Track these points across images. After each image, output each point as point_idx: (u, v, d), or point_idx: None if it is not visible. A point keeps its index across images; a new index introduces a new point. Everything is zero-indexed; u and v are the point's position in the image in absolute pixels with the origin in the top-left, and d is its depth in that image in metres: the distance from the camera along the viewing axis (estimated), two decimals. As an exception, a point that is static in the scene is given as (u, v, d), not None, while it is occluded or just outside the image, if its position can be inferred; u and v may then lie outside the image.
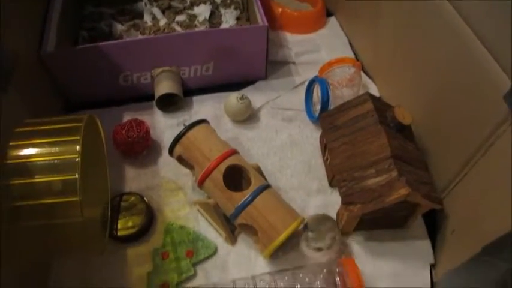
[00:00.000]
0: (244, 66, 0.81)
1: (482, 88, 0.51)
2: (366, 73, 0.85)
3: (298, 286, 0.55)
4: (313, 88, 0.79)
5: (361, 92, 0.69)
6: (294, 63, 0.88)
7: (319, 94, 0.74)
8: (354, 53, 0.90)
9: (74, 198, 0.46)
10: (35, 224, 0.46)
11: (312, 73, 0.81)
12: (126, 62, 0.75)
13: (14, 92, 0.59)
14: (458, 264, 0.54)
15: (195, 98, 0.81)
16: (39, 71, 0.71)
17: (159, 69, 0.77)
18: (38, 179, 0.46)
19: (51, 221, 0.46)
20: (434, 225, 0.64)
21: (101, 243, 0.59)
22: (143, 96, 0.80)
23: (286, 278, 0.56)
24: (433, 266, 0.62)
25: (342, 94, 0.77)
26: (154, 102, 0.78)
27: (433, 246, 0.63)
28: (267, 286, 0.56)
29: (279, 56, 0.88)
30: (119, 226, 0.64)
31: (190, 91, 0.82)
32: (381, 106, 0.64)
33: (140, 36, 0.85)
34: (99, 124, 0.61)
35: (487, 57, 0.49)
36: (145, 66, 0.77)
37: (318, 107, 0.75)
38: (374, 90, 0.82)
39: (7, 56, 0.58)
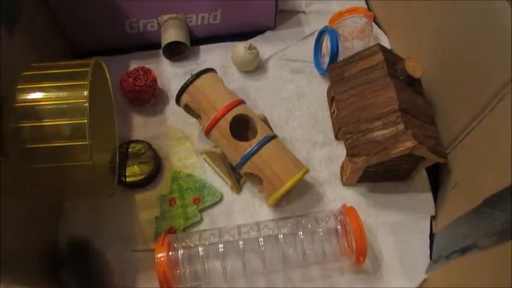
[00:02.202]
0: (252, 15, 0.79)
1: (495, 43, 0.50)
2: (377, 24, 0.82)
3: (301, 232, 0.57)
4: (323, 39, 0.77)
5: (372, 44, 0.67)
6: (304, 12, 0.85)
7: (329, 45, 0.73)
8: (367, 3, 0.87)
9: (83, 142, 0.47)
10: (46, 166, 0.47)
11: (322, 23, 0.79)
12: (132, 8, 0.73)
13: (20, 36, 0.58)
14: (458, 216, 0.55)
15: (202, 47, 0.80)
16: (45, 16, 0.69)
17: (166, 17, 0.75)
18: (47, 122, 0.47)
19: (61, 164, 0.47)
20: (437, 178, 0.65)
21: (110, 187, 0.61)
22: (150, 45, 0.79)
23: (289, 224, 0.58)
24: (433, 218, 0.64)
25: (352, 46, 0.75)
26: (161, 51, 0.77)
27: (435, 199, 0.64)
28: (271, 232, 0.57)
29: (289, 5, 0.85)
30: (127, 173, 0.65)
31: (197, 40, 0.80)
32: (391, 58, 0.63)
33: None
34: (106, 70, 0.61)
35: (503, 9, 0.47)
36: (151, 12, 0.75)
37: (326, 59, 0.74)
38: (385, 43, 0.80)
39: (12, -2, 0.57)
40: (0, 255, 0.44)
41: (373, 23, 0.80)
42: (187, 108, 0.65)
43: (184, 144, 0.70)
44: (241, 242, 0.56)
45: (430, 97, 0.65)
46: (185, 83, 0.63)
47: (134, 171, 0.66)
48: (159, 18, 0.76)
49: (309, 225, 0.57)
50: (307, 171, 0.61)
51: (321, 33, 0.77)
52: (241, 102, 0.63)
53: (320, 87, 0.76)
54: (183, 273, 0.55)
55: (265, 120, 0.65)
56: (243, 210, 0.65)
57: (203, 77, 0.63)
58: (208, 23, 0.79)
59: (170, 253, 0.54)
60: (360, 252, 0.55)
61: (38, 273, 0.54)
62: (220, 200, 0.65)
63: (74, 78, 0.49)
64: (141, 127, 0.71)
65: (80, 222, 0.63)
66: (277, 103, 0.74)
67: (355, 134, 0.60)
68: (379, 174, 0.63)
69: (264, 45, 0.79)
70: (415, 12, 0.69)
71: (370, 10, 0.83)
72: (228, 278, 0.56)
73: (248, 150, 0.59)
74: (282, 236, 0.56)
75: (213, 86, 0.64)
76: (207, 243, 0.56)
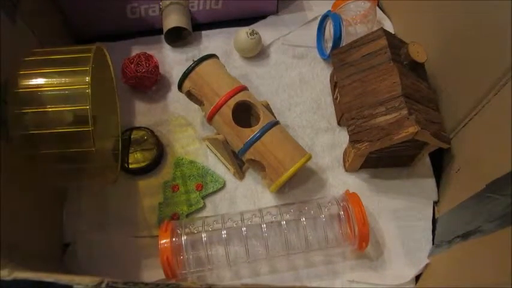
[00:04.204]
0: (254, 0, 0.78)
1: (498, 27, 0.49)
2: (381, 9, 0.81)
3: (303, 218, 0.57)
4: (326, 24, 0.77)
5: (376, 28, 0.67)
6: (306, -3, 0.84)
7: (332, 30, 0.72)
8: (370, -12, 0.85)
9: (86, 129, 0.47)
10: (50, 152, 0.47)
11: (325, 8, 0.78)
12: (133, -7, 0.73)
13: (22, 23, 0.58)
14: (460, 201, 0.55)
15: (204, 33, 0.79)
16: (46, 2, 0.69)
17: (167, 1, 0.74)
18: (50, 108, 0.47)
19: (64, 150, 0.47)
20: (440, 164, 0.65)
21: (113, 174, 0.61)
22: (151, 30, 0.78)
23: (292, 211, 0.58)
24: (436, 203, 0.64)
25: (355, 31, 0.74)
26: (162, 37, 0.76)
27: (438, 184, 0.64)
28: (273, 218, 0.58)
29: (292, -10, 0.85)
30: (130, 160, 0.65)
31: (199, 25, 0.80)
32: (395, 43, 0.62)
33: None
34: (108, 56, 0.60)
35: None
36: (152, -3, 0.74)
37: (329, 44, 0.73)
38: (389, 27, 0.79)
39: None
40: (0, 240, 0.44)
41: (377, 7, 0.79)
42: (190, 95, 0.65)
43: (186, 131, 0.70)
44: (244, 229, 0.56)
45: (433, 82, 0.64)
46: (187, 69, 0.63)
47: (137, 158, 0.66)
48: (161, 3, 0.75)
49: (312, 212, 0.58)
50: (309, 158, 0.61)
51: (324, 18, 0.76)
52: (243, 88, 0.63)
53: (323, 72, 0.75)
54: (187, 259, 0.55)
55: (267, 107, 0.65)
56: (246, 197, 0.65)
57: (205, 63, 0.63)
58: (210, 8, 0.78)
59: (174, 239, 0.55)
60: (363, 238, 0.55)
61: (41, 259, 0.55)
62: (223, 186, 0.65)
63: (76, 64, 0.49)
64: (144, 114, 0.71)
65: (84, 208, 0.63)
66: (279, 89, 0.74)
67: (358, 120, 0.59)
68: (381, 160, 0.63)
69: (267, 31, 0.78)
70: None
71: (373, -6, 0.82)
72: (231, 263, 0.56)
73: (251, 137, 0.59)
74: (284, 222, 0.57)
75: (215, 72, 0.63)
76: (210, 229, 0.57)
